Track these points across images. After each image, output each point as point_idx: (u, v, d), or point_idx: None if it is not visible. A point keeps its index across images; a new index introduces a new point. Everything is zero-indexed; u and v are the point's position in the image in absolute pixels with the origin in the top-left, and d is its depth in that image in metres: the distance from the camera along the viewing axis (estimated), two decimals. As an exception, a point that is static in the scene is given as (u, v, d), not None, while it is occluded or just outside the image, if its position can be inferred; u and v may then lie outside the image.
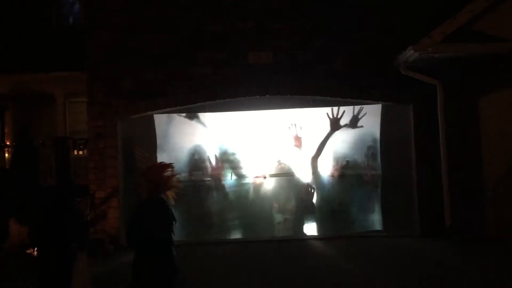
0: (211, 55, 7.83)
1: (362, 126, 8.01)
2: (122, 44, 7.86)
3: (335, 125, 8.02)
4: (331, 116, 8.01)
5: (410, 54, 6.81)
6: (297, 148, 8.05)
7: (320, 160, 8.05)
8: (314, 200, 8.12)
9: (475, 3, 6.73)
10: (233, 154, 8.11)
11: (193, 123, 8.12)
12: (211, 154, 8.06)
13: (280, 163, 8.11)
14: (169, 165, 3.92)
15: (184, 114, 8.11)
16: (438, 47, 6.67)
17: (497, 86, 7.14)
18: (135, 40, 7.85)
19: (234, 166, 8.08)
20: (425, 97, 7.46)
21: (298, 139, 8.06)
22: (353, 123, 8.02)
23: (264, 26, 7.81)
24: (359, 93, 7.69)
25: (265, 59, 7.79)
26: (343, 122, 8.03)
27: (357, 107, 7.99)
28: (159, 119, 8.10)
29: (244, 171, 8.07)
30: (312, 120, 8.09)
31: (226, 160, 8.09)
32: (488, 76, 7.10)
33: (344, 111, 7.99)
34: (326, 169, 8.10)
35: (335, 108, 7.99)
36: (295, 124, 8.05)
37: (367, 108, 7.99)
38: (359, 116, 8.01)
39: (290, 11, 7.82)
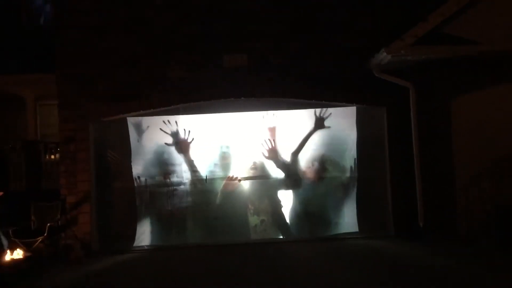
0: (185, 57, 7.74)
1: (330, 127, 8.02)
2: (94, 45, 7.72)
3: (319, 123, 8.04)
4: (317, 115, 8.03)
5: (383, 56, 6.86)
6: (271, 139, 8.03)
7: (300, 156, 8.04)
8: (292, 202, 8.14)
9: (446, 6, 6.83)
10: (209, 156, 8.02)
11: (167, 125, 8.00)
12: (182, 129, 7.97)
13: (255, 165, 8.06)
14: None
15: (158, 117, 7.98)
16: (410, 50, 6.74)
17: (468, 88, 7.26)
18: (107, 41, 7.72)
19: (210, 168, 8.00)
20: (398, 99, 7.51)
21: (272, 130, 8.04)
22: (319, 124, 8.04)
23: (239, 28, 7.76)
24: (334, 95, 7.70)
25: (239, 62, 7.73)
26: (327, 123, 8.04)
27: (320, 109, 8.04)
28: (132, 121, 7.96)
29: (219, 173, 7.99)
30: (288, 122, 8.07)
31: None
32: (459, 78, 7.22)
33: (330, 113, 8.01)
34: (304, 172, 8.10)
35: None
36: (273, 114, 8.04)
37: (342, 110, 8.01)
38: (324, 116, 8.03)
39: (265, 14, 7.79)
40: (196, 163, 7.98)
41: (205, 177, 7.94)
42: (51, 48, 7.95)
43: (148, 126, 7.96)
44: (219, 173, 8.01)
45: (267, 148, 8.02)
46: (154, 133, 7.99)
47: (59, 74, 7.73)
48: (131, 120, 7.94)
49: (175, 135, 7.98)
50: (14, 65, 9.19)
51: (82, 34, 7.72)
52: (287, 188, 8.11)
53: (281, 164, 8.03)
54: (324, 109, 8.01)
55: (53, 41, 7.81)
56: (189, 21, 7.77)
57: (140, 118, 7.94)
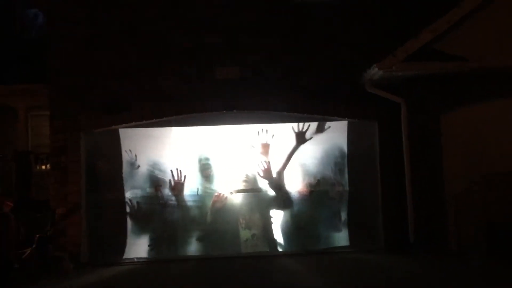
0: (178, 69, 7.75)
1: (312, 137, 8.01)
2: (86, 56, 7.71)
3: (300, 138, 8.02)
4: (296, 130, 8.01)
5: (375, 72, 6.92)
6: (263, 156, 7.99)
7: (285, 173, 8.00)
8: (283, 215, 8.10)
9: (437, 23, 6.92)
10: (200, 168, 7.99)
11: (160, 137, 7.98)
12: (174, 168, 7.89)
13: (247, 178, 8.04)
14: None
15: (151, 128, 7.95)
16: (401, 66, 6.82)
17: (459, 103, 7.31)
18: (100, 52, 7.71)
19: (201, 181, 7.97)
20: (389, 114, 7.57)
21: (265, 147, 8.02)
22: (300, 139, 8.01)
23: (232, 41, 7.80)
24: (325, 109, 7.74)
25: (232, 74, 7.76)
26: (308, 135, 8.02)
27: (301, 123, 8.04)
28: (125, 133, 7.92)
29: (210, 186, 7.96)
30: (280, 135, 8.05)
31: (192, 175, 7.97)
32: (450, 93, 7.28)
33: (309, 125, 8.01)
34: (295, 185, 8.07)
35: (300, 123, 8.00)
36: (266, 130, 8.00)
37: (334, 124, 8.04)
38: (304, 130, 8.02)
39: (258, 27, 7.83)
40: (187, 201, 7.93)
41: (196, 190, 7.90)
42: (44, 59, 7.93)
43: (138, 166, 7.86)
44: (207, 186, 7.95)
45: (262, 169, 7.99)
46: (146, 146, 7.93)
47: (51, 85, 7.70)
48: (126, 158, 7.85)
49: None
50: (5, 76, 9.13)
51: (75, 45, 7.70)
52: (279, 207, 8.06)
53: (274, 185, 7.99)
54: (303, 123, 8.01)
55: (46, 52, 7.80)
56: (182, 33, 7.78)
57: (134, 156, 7.85)
